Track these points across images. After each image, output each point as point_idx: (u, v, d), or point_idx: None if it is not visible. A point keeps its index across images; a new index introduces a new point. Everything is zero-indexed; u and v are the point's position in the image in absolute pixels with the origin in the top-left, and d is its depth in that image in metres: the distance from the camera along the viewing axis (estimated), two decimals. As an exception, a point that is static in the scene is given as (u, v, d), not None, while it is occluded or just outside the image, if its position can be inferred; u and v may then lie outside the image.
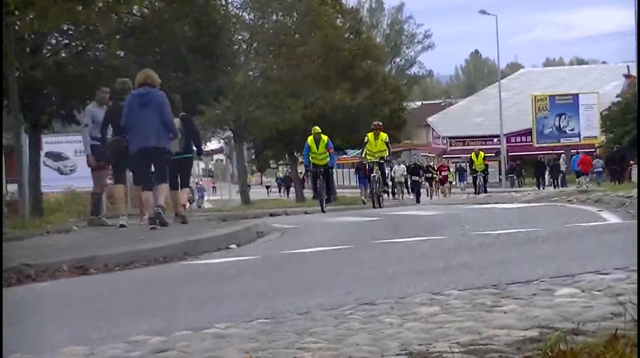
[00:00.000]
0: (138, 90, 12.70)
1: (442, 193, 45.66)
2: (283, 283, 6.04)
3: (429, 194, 42.05)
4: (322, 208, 22.47)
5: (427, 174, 42.35)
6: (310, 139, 23.39)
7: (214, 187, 70.38)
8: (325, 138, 23.21)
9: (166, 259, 8.94)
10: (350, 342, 3.43)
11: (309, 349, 3.32)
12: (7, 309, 5.77)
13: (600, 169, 47.23)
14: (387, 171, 26.94)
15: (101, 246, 9.64)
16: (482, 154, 40.53)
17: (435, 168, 46.71)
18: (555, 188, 46.34)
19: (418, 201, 34.99)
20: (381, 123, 25.01)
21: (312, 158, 23.06)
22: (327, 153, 23.08)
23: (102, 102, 14.17)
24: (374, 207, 22.56)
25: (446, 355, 3.03)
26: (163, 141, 12.55)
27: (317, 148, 22.99)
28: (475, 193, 38.53)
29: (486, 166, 40.64)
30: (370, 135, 23.66)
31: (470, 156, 41.79)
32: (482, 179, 39.87)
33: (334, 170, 25.92)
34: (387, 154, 23.68)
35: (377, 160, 23.22)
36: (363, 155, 23.87)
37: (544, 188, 45.10)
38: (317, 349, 3.32)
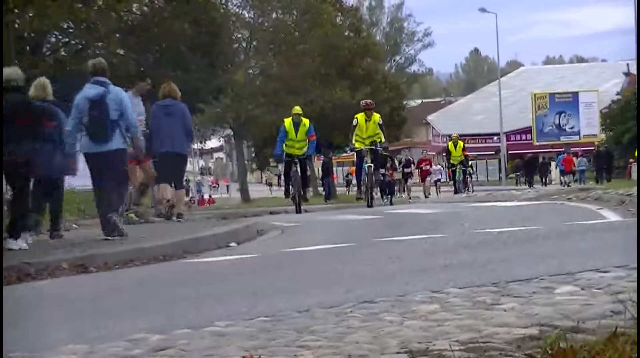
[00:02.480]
0: (163, 101, 14.24)
1: (423, 191, 37.86)
2: (283, 281, 6.04)
3: (406, 192, 34.60)
4: (298, 208, 18.96)
5: (405, 170, 35.42)
6: (287, 122, 19.09)
7: (227, 185, 70.37)
8: (306, 121, 19.10)
9: (166, 257, 8.96)
10: (350, 339, 3.43)
11: (309, 347, 3.33)
12: (8, 307, 5.77)
13: (584, 168, 47.70)
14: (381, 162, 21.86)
15: (101, 244, 9.65)
16: (461, 143, 33.23)
17: (415, 163, 39.36)
18: (542, 185, 46.67)
19: (389, 202, 27.65)
20: (373, 102, 20.49)
21: (287, 145, 18.93)
22: (307, 141, 18.99)
23: (140, 94, 14.18)
24: (368, 206, 18.84)
25: (446, 353, 3.04)
26: (185, 148, 14.68)
27: (296, 134, 18.82)
28: (454, 192, 32.74)
29: (466, 157, 33.34)
30: (359, 116, 19.14)
31: (447, 146, 33.95)
32: (461, 174, 32.76)
33: (334, 168, 24.12)
34: (382, 140, 19.32)
35: (370, 147, 18.97)
36: (352, 141, 19.21)
37: (531, 186, 45.28)
38: (317, 347, 3.32)
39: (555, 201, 16.99)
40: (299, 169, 19.08)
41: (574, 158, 48.54)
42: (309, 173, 22.74)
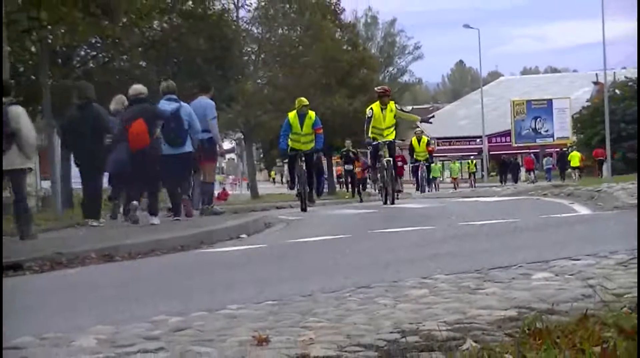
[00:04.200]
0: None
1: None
2: (288, 269, 6.03)
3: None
4: (303, 206, 15.62)
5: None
6: (292, 115, 15.74)
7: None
8: (312, 114, 15.73)
9: (184, 247, 8.95)
10: (348, 321, 3.43)
11: (312, 328, 3.32)
12: (42, 293, 5.78)
13: (550, 166, 48.08)
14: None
15: (125, 236, 9.64)
16: (425, 139, 28.25)
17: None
18: (514, 182, 47.10)
19: (359, 198, 24.59)
20: (389, 88, 16.70)
21: (292, 139, 15.65)
22: (314, 135, 15.66)
23: (211, 97, 14.38)
24: (385, 203, 15.60)
25: (434, 333, 3.03)
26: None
27: (301, 127, 15.56)
28: (416, 189, 28.36)
29: (430, 154, 29.01)
30: (374, 106, 15.44)
31: (411, 142, 28.69)
32: (425, 170, 28.38)
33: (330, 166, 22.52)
34: (417, 118, 16.93)
35: (387, 140, 15.38)
36: (369, 134, 15.36)
37: (505, 183, 45.62)
38: (319, 328, 3.31)
39: (532, 196, 16.97)
40: (304, 166, 15.72)
41: (537, 158, 50.22)
42: (322, 169, 19.87)
